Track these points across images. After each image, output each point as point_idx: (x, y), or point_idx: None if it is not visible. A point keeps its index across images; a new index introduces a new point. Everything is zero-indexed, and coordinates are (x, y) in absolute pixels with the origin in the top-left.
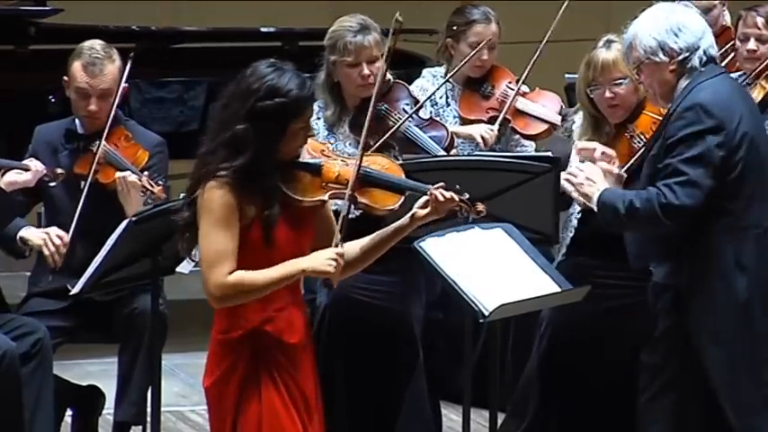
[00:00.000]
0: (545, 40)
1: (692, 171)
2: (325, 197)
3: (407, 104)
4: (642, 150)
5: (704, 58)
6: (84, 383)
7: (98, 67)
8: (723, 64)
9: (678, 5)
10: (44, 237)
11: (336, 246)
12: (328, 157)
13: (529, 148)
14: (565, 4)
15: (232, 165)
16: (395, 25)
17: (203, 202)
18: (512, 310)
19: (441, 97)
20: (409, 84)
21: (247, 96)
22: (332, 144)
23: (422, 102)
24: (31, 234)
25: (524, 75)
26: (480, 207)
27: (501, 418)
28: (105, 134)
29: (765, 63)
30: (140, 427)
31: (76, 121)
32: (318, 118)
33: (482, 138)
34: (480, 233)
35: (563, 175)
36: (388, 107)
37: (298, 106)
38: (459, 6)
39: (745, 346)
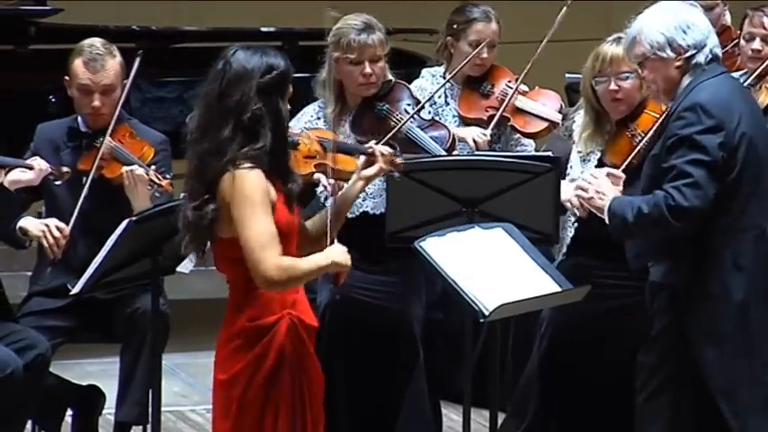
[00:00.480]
0: (544, 42)
1: (697, 172)
2: (312, 169)
3: (409, 105)
4: (640, 149)
5: (709, 57)
6: (85, 383)
7: (99, 63)
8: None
9: (684, 4)
10: (43, 228)
11: (333, 242)
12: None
13: (529, 147)
14: (564, 9)
15: (255, 147)
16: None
17: (240, 190)
18: (512, 310)
19: (440, 96)
20: (409, 84)
21: (248, 77)
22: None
23: (423, 103)
24: (31, 224)
25: (523, 73)
26: (399, 160)
27: (501, 417)
28: (110, 130)
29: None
30: (141, 426)
31: (79, 119)
32: (319, 118)
33: (474, 141)
34: (481, 233)
35: (573, 191)
36: (390, 108)
37: (289, 76)
38: (460, 5)
39: (742, 347)
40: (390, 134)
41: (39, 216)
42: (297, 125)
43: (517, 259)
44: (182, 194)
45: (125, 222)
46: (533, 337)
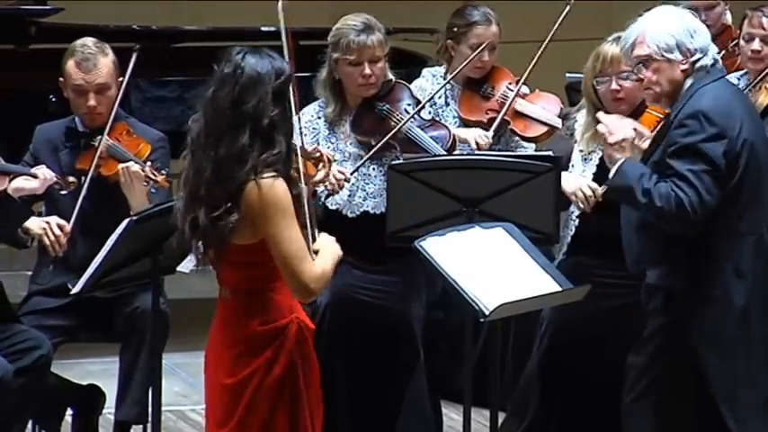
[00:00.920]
0: (545, 44)
1: (702, 181)
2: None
3: (409, 105)
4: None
5: (713, 61)
6: (85, 383)
7: (91, 62)
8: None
9: (684, 11)
10: (45, 226)
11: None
12: None
13: (529, 148)
14: (566, 10)
15: (273, 153)
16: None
17: (271, 201)
18: (512, 310)
19: (440, 97)
20: (410, 83)
21: (263, 82)
22: (332, 144)
23: (423, 103)
24: (32, 223)
25: (524, 76)
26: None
27: (501, 417)
28: (108, 129)
29: None
30: (141, 426)
31: (76, 119)
32: (319, 117)
33: (476, 143)
34: (481, 232)
35: (602, 123)
36: (390, 108)
37: (290, 80)
38: (460, 7)
39: (744, 351)
40: (390, 134)
41: (39, 216)
42: (297, 125)
43: (517, 259)
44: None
45: (125, 222)
46: (533, 336)
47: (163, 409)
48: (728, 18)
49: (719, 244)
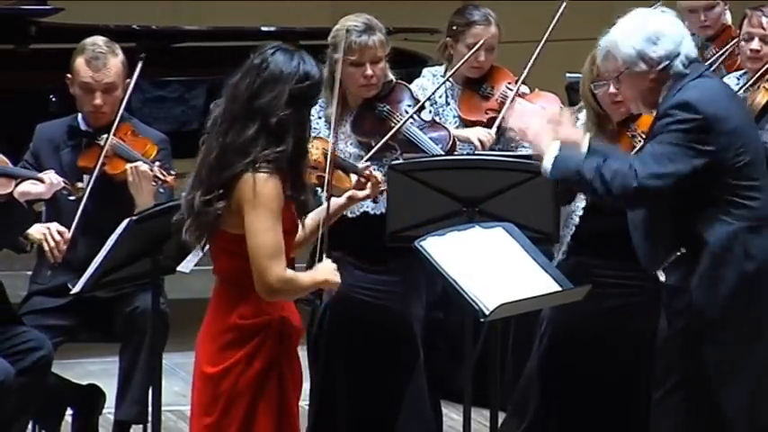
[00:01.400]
0: (543, 42)
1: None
2: (314, 181)
3: (409, 106)
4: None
5: (686, 62)
6: (85, 383)
7: (101, 62)
8: (719, 62)
9: (654, 11)
10: (45, 231)
11: (322, 260)
12: None
13: (529, 148)
14: (563, 6)
15: (276, 150)
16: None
17: (259, 195)
18: (512, 310)
19: (440, 96)
20: (410, 83)
21: (284, 82)
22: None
23: (421, 103)
24: (32, 228)
25: (523, 76)
26: (383, 187)
27: (502, 417)
28: (114, 128)
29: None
30: (141, 426)
31: (79, 118)
32: (320, 117)
33: (479, 141)
34: (481, 232)
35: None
36: (390, 108)
37: (320, 87)
38: (461, 6)
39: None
40: (389, 134)
41: (38, 216)
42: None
43: (517, 259)
44: (182, 193)
45: (125, 222)
46: (533, 336)
47: (163, 408)
48: (728, 18)
49: (729, 235)
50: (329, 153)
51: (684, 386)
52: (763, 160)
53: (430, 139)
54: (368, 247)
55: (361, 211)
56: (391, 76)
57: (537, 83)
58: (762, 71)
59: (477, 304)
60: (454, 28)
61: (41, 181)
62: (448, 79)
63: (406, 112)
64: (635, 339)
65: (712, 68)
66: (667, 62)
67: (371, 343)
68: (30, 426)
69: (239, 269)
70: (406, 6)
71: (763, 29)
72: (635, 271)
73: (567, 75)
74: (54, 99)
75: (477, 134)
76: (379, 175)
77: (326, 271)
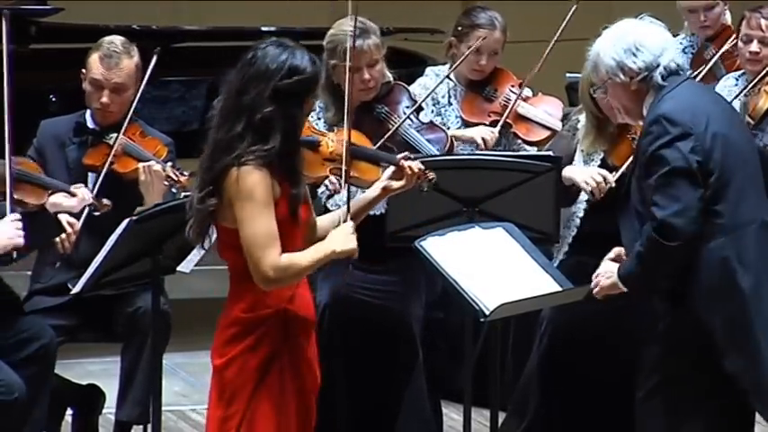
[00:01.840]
0: (550, 47)
1: (675, 186)
2: (327, 174)
3: (408, 107)
4: (629, 164)
5: (665, 74)
6: (85, 383)
7: (114, 60)
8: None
9: (640, 21)
10: None
11: (346, 221)
12: (316, 133)
13: (530, 150)
14: (574, 8)
15: (263, 148)
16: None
17: (243, 188)
18: (512, 310)
19: (443, 96)
20: (410, 83)
21: (268, 78)
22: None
23: (419, 102)
24: None
25: (527, 79)
26: (431, 175)
27: (502, 417)
28: (124, 128)
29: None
30: (141, 426)
31: (87, 115)
32: (319, 118)
33: (483, 139)
34: (481, 232)
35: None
36: (389, 110)
37: (314, 82)
38: (470, 8)
39: (761, 339)
40: (387, 136)
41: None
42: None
43: (518, 259)
44: (182, 194)
45: (125, 222)
46: (533, 336)
47: (163, 409)
48: (728, 18)
49: (719, 240)
50: (344, 144)
51: (667, 386)
52: (746, 165)
53: (427, 140)
54: (367, 247)
55: None
56: (389, 77)
57: (537, 83)
58: (762, 74)
59: (477, 304)
60: (459, 29)
61: (73, 195)
62: (445, 79)
63: (404, 114)
64: (635, 339)
65: (711, 68)
66: (646, 73)
67: (371, 343)
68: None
69: (240, 263)
70: (406, 6)
71: (762, 31)
72: None
73: (567, 75)
74: (54, 99)
75: (480, 133)
76: (415, 165)
77: (334, 242)
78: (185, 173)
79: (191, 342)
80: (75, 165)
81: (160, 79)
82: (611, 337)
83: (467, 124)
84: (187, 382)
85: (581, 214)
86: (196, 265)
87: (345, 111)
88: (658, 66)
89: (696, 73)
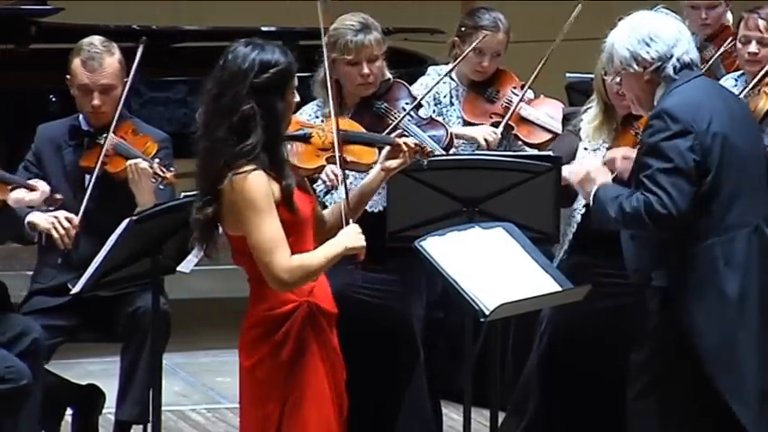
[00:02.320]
0: (553, 47)
1: (670, 181)
2: (323, 163)
3: (407, 104)
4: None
5: (678, 66)
6: (85, 383)
7: (97, 62)
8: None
9: (655, 13)
10: (53, 220)
11: (349, 222)
12: (306, 126)
13: (530, 148)
14: (578, 8)
15: (246, 144)
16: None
17: (242, 194)
18: (512, 310)
19: (445, 96)
20: (411, 83)
21: (242, 77)
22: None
23: (420, 98)
24: (39, 218)
25: (530, 82)
26: (428, 148)
27: (502, 417)
28: (113, 127)
29: (766, 69)
30: (141, 426)
31: (80, 118)
32: (317, 117)
33: (485, 140)
34: (481, 232)
35: (567, 167)
36: (388, 106)
37: (289, 73)
38: (474, 8)
39: (742, 343)
40: (387, 131)
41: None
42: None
43: (518, 259)
44: (182, 194)
45: (125, 222)
46: (533, 336)
47: (163, 408)
48: (729, 18)
49: (708, 239)
50: (334, 129)
51: (656, 386)
52: (745, 167)
53: (428, 136)
54: (367, 247)
55: None
56: (389, 75)
57: (537, 83)
58: (760, 75)
59: (477, 304)
60: (463, 29)
61: (34, 189)
62: (444, 77)
63: (404, 110)
64: (635, 339)
65: (710, 68)
66: (659, 63)
67: (371, 343)
68: None
69: (255, 267)
70: (406, 6)
71: (760, 31)
72: None
73: (567, 75)
74: (54, 99)
75: (483, 133)
76: (411, 140)
77: (346, 239)
78: (172, 168)
79: (190, 342)
80: (72, 168)
81: (162, 80)
82: (611, 337)
83: (468, 125)
84: (187, 382)
85: (581, 213)
86: (196, 265)
87: (329, 96)
88: (671, 57)
89: None
